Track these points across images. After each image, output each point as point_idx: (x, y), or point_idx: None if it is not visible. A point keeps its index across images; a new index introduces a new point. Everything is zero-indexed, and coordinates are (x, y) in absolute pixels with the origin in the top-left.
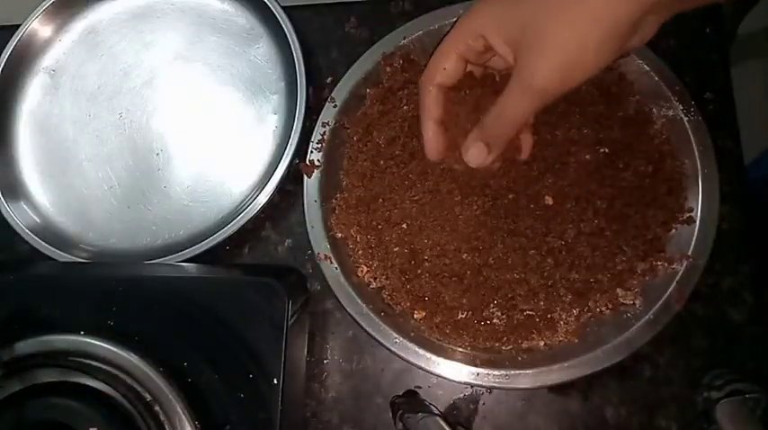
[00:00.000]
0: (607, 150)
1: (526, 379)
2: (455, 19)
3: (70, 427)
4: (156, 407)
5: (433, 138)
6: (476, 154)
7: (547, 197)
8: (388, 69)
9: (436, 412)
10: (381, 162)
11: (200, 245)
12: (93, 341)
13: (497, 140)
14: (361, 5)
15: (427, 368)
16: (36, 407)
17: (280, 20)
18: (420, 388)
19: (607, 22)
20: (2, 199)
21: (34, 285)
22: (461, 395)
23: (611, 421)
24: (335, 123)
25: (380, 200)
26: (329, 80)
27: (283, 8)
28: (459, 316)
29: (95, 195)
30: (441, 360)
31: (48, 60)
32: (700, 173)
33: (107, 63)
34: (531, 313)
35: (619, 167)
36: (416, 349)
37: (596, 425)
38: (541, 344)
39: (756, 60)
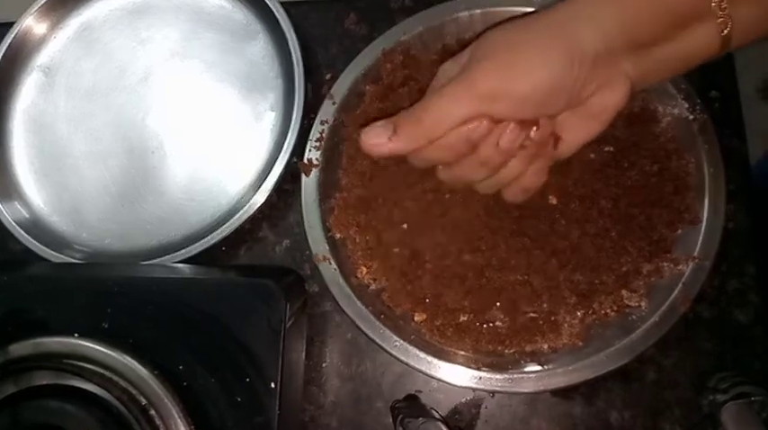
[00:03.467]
0: (612, 149)
1: (529, 382)
2: (456, 15)
3: None
4: (152, 411)
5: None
6: (373, 133)
7: (551, 197)
8: (387, 66)
9: (437, 417)
10: (381, 161)
11: (195, 245)
12: (87, 343)
13: (410, 133)
14: (360, 1)
15: (428, 372)
16: (30, 410)
17: (277, 16)
18: (421, 392)
19: (555, 42)
20: None
21: (28, 286)
22: (463, 399)
23: (616, 425)
24: (334, 121)
25: (380, 199)
26: (328, 77)
27: (281, 4)
28: (461, 318)
29: (90, 194)
30: (442, 363)
31: (42, 58)
32: (706, 172)
33: (102, 60)
34: (534, 315)
35: (624, 166)
36: (417, 352)
37: (600, 428)
38: (545, 346)
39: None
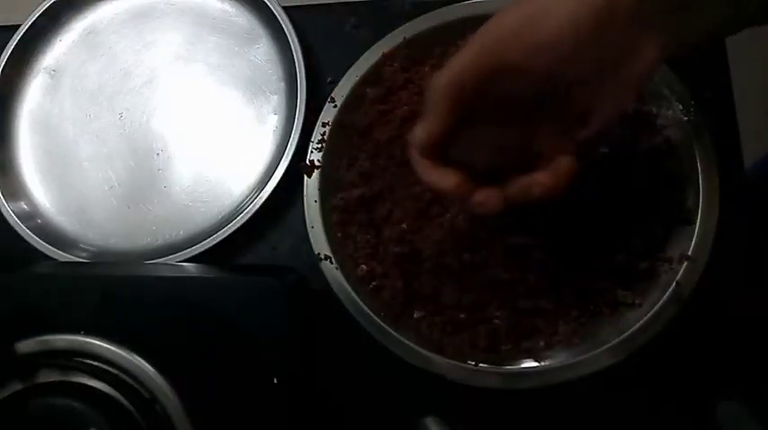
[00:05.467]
0: (606, 150)
1: (526, 379)
2: (455, 18)
3: (71, 427)
4: (157, 407)
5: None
6: (417, 134)
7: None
8: (388, 69)
9: (436, 412)
10: (381, 161)
11: (200, 245)
12: (93, 341)
13: (429, 108)
14: (361, 5)
15: (427, 368)
16: (37, 407)
17: (280, 20)
18: (420, 387)
19: None
20: (2, 199)
21: (34, 285)
22: (461, 395)
23: (612, 421)
24: (335, 123)
25: (380, 199)
26: (329, 80)
27: (283, 8)
28: (459, 315)
29: (95, 195)
30: (440, 359)
31: (48, 60)
32: (700, 172)
33: (107, 63)
34: (530, 313)
35: (618, 167)
36: (416, 348)
37: (597, 425)
38: (541, 343)
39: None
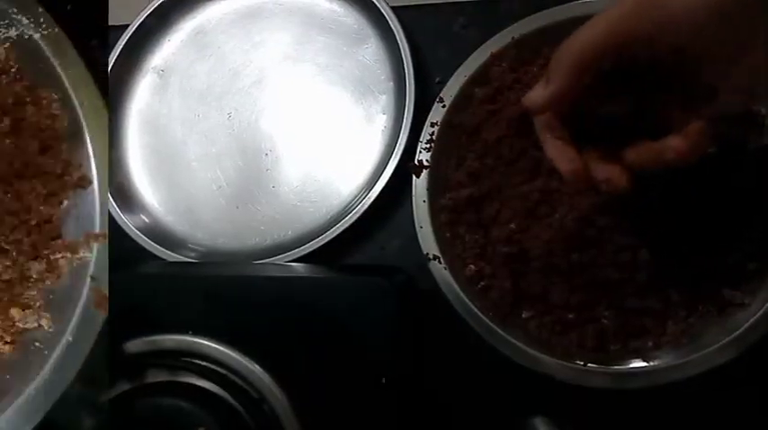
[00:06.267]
0: (714, 149)
1: (634, 379)
2: (565, 18)
3: (179, 427)
4: (265, 406)
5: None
6: (532, 92)
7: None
8: (496, 69)
9: (544, 412)
10: (489, 161)
11: (308, 245)
12: (201, 341)
13: (557, 71)
14: (469, 5)
15: (535, 367)
16: (144, 407)
17: (388, 20)
18: (528, 387)
19: None
20: (111, 198)
21: (142, 285)
22: (569, 395)
23: (723, 421)
24: (444, 123)
25: (489, 199)
26: (437, 80)
27: (392, 8)
28: (568, 315)
29: (204, 195)
30: (548, 359)
31: (157, 60)
32: None
33: (216, 63)
34: (639, 313)
35: (726, 166)
36: (524, 348)
37: (707, 425)
38: (650, 344)
39: None
